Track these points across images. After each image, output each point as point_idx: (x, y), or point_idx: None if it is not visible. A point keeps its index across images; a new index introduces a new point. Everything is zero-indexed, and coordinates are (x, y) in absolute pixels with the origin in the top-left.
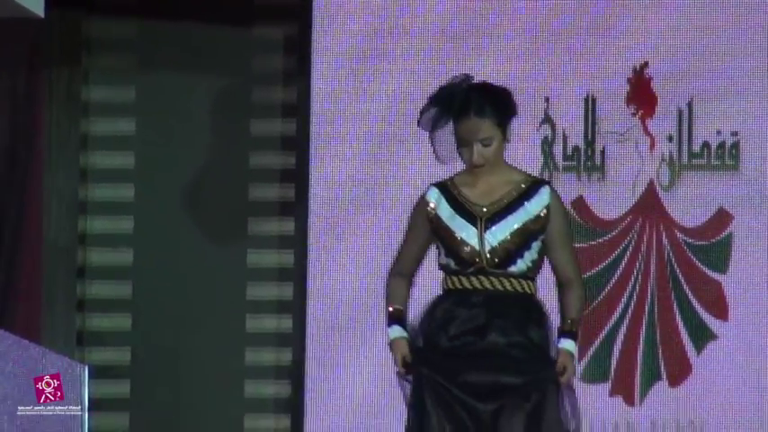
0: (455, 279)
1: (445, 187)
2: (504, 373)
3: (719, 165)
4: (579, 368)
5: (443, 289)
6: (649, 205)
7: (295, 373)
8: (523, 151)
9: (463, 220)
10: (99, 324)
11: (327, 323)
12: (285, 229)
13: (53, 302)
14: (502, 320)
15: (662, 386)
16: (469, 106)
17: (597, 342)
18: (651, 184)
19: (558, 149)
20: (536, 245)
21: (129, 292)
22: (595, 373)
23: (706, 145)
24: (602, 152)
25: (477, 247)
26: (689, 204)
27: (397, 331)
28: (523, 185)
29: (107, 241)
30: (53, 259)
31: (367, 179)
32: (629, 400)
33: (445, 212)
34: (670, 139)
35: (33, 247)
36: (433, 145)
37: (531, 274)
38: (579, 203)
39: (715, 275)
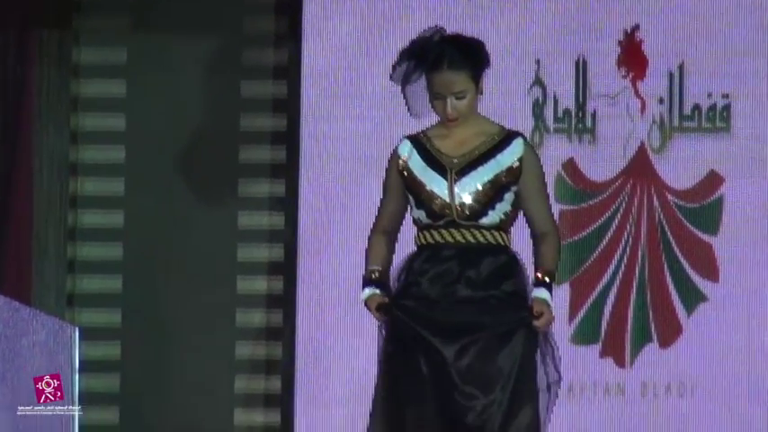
0: (426, 234)
1: (418, 140)
2: (476, 316)
3: (710, 127)
4: (570, 330)
5: (416, 245)
6: (640, 168)
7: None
8: (514, 113)
9: (434, 172)
10: (89, 285)
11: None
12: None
13: (43, 263)
14: (474, 273)
15: (653, 348)
16: (443, 59)
17: (588, 304)
18: (642, 146)
19: (548, 112)
20: (509, 196)
21: (119, 253)
22: (586, 335)
23: (697, 107)
24: (593, 114)
25: (447, 199)
26: (680, 167)
27: (367, 291)
28: (497, 137)
29: (98, 203)
30: (43, 220)
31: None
32: (620, 362)
33: (416, 165)
34: (661, 101)
35: (23, 207)
36: (405, 99)
37: (503, 225)
38: (570, 166)
39: (706, 237)
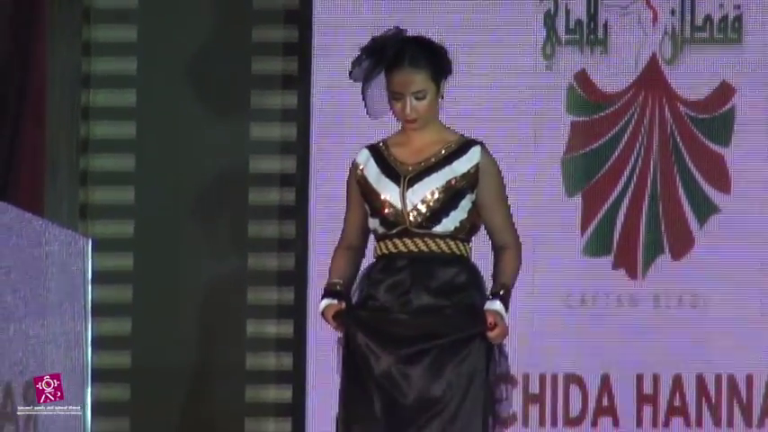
0: (382, 244)
1: (376, 148)
2: (430, 326)
3: (722, 38)
4: (582, 241)
5: (375, 256)
6: (652, 79)
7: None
8: (526, 25)
9: (388, 180)
10: (102, 197)
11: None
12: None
13: (56, 176)
14: (427, 283)
15: (665, 259)
16: (403, 56)
17: (600, 215)
18: (654, 57)
19: (560, 23)
20: (464, 204)
21: (132, 165)
22: (598, 247)
23: (708, 18)
24: (605, 25)
25: (399, 206)
26: (692, 78)
27: (324, 302)
28: (454, 145)
29: (111, 114)
30: (55, 132)
31: None
32: (632, 274)
33: (372, 173)
34: (672, 12)
35: (36, 120)
36: (364, 99)
37: (459, 234)
38: (582, 77)
39: (717, 148)
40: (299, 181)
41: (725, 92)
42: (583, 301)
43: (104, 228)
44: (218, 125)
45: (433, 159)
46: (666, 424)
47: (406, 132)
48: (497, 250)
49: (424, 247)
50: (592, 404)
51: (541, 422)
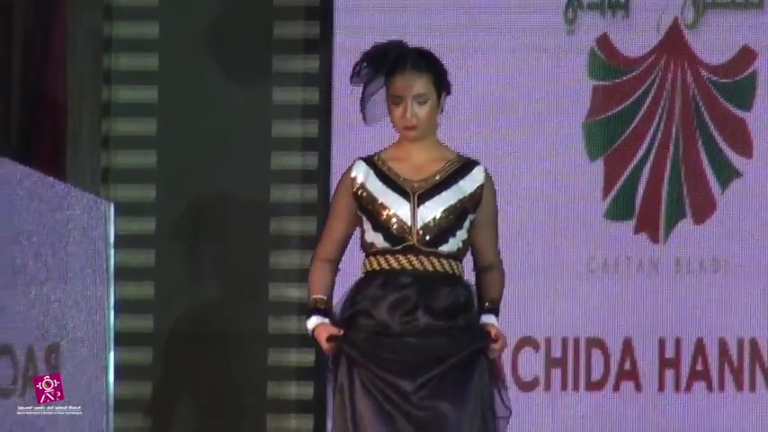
0: (381, 259)
1: (372, 162)
2: (435, 349)
3: (744, 2)
4: (604, 206)
5: (365, 271)
6: (674, 43)
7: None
8: None
9: (396, 195)
10: (124, 161)
11: None
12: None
13: (78, 140)
14: (433, 302)
15: (686, 223)
16: (406, 59)
17: (622, 180)
18: (676, 21)
19: None
20: (466, 224)
21: (153, 128)
22: (620, 211)
23: None
24: None
25: (408, 223)
26: (713, 42)
27: (315, 320)
28: (456, 163)
29: (132, 78)
30: (77, 96)
31: None
32: (654, 238)
33: (375, 186)
34: None
35: (57, 84)
36: (362, 104)
37: (460, 255)
38: (603, 41)
39: (739, 113)
40: (321, 145)
41: (747, 56)
42: (605, 265)
43: (126, 192)
44: (240, 89)
45: (438, 177)
46: (689, 388)
47: (404, 147)
48: (484, 269)
49: (429, 266)
50: (614, 368)
51: (563, 386)
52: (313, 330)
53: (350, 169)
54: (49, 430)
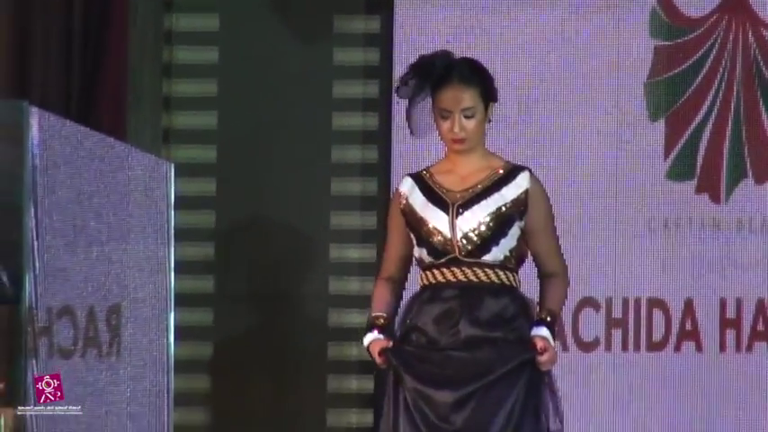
0: (429, 273)
1: (420, 176)
2: (480, 364)
3: None
4: (665, 166)
5: (420, 286)
6: (735, 3)
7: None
8: None
9: (435, 208)
10: (185, 121)
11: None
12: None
13: (139, 100)
14: (477, 313)
15: (748, 183)
16: (452, 73)
17: (683, 140)
18: None
19: None
20: (513, 232)
21: (214, 89)
22: (681, 171)
23: None
24: None
25: (448, 235)
26: None
27: (370, 337)
28: (501, 171)
29: (193, 39)
30: (138, 57)
31: None
32: (716, 198)
33: (417, 201)
34: None
35: (118, 44)
36: (409, 118)
37: (509, 264)
38: (665, 2)
39: None
40: (381, 106)
41: None
42: (666, 225)
43: (187, 152)
44: (300, 50)
45: (480, 186)
46: (750, 348)
47: (451, 159)
48: (544, 277)
49: (473, 277)
50: (675, 328)
51: (624, 346)
52: (368, 347)
53: (398, 187)
54: (110, 391)
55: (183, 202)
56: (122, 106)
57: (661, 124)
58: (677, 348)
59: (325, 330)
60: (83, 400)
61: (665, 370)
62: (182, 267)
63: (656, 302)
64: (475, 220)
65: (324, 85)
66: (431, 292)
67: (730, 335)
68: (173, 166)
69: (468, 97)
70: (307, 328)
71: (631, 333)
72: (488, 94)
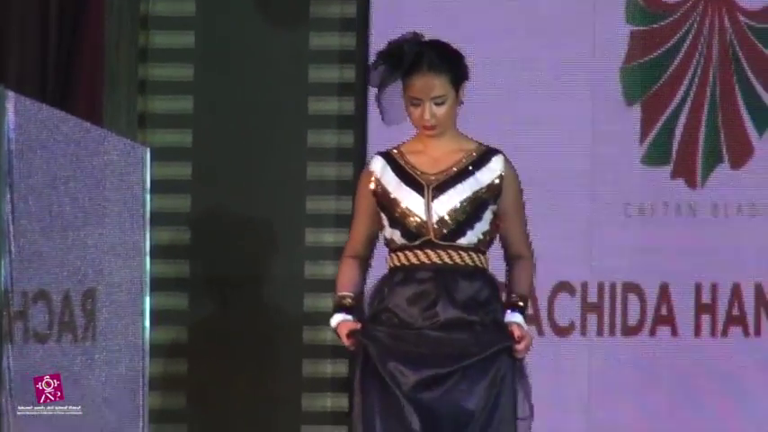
0: (400, 255)
1: (390, 156)
2: (457, 345)
3: None
4: (641, 151)
5: (389, 267)
6: None
7: None
8: None
9: (409, 189)
10: (161, 106)
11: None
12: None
13: (114, 85)
14: (453, 296)
15: (724, 168)
16: (422, 60)
17: (659, 125)
18: None
19: None
20: (487, 215)
21: (190, 73)
22: (657, 156)
23: None
24: None
25: (423, 217)
26: None
27: (338, 318)
28: (475, 154)
29: (169, 24)
30: (114, 41)
31: None
32: (691, 183)
33: (391, 181)
34: None
35: (94, 29)
36: (379, 105)
37: (482, 247)
38: None
39: None
40: (357, 90)
41: None
42: (641, 210)
43: (163, 137)
44: (276, 35)
45: (455, 169)
46: (725, 333)
47: (422, 139)
48: (513, 261)
49: (448, 260)
50: (650, 313)
51: (599, 331)
52: (336, 328)
53: (368, 165)
54: (85, 376)
55: (158, 187)
56: (98, 91)
57: (637, 109)
58: (652, 333)
59: (300, 315)
60: None
61: (640, 355)
62: (157, 252)
63: (631, 287)
64: (451, 203)
65: (300, 69)
66: (404, 274)
67: (706, 320)
68: (148, 150)
69: (438, 84)
70: (282, 312)
71: (607, 318)
72: (459, 77)
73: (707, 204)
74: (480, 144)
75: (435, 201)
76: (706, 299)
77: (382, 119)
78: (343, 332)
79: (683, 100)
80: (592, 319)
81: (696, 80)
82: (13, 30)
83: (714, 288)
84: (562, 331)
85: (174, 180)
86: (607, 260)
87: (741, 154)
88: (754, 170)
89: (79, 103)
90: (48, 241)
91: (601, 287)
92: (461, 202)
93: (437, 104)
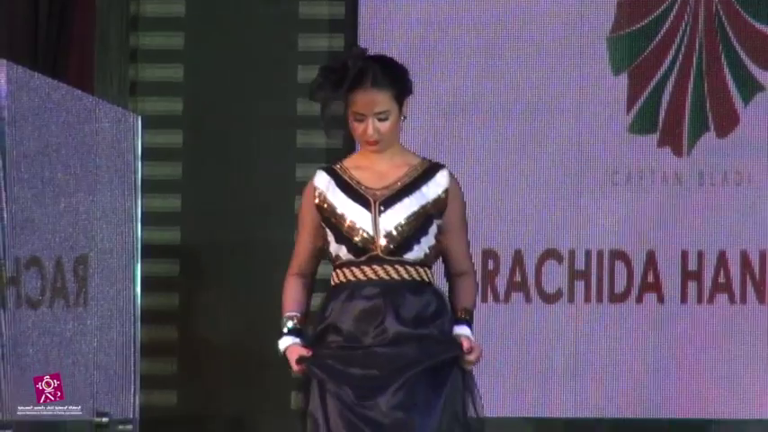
0: (346, 271)
1: (334, 171)
2: (406, 357)
3: None
4: (628, 119)
5: (333, 284)
6: None
7: None
8: None
9: (357, 205)
10: (151, 74)
11: None
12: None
13: (106, 53)
14: (400, 312)
15: (710, 137)
16: (365, 76)
17: (646, 94)
18: None
19: None
20: (432, 230)
21: (181, 42)
22: (644, 125)
23: None
24: None
25: (371, 233)
26: None
27: (286, 341)
28: (419, 168)
29: None
30: (105, 10)
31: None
32: (678, 151)
33: (336, 197)
34: None
35: (84, 2)
36: (323, 120)
37: (428, 261)
38: None
39: (763, 27)
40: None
41: None
42: (628, 178)
43: (154, 105)
44: (266, 3)
45: (399, 184)
46: (711, 300)
47: (366, 155)
48: (456, 276)
49: (395, 275)
50: (637, 280)
51: (587, 298)
52: (284, 351)
53: (312, 180)
54: (77, 341)
55: (149, 154)
56: (90, 59)
57: (623, 78)
58: (639, 300)
59: None
60: (50, 349)
61: (626, 321)
62: (148, 218)
63: (618, 254)
64: (398, 218)
65: (289, 37)
66: (350, 291)
67: (692, 287)
68: (140, 118)
69: (381, 100)
70: (272, 278)
71: (594, 285)
72: (402, 93)
73: (693, 172)
74: (425, 159)
75: (382, 215)
76: (692, 266)
77: (325, 134)
78: (293, 358)
79: (670, 69)
80: (579, 286)
81: (683, 49)
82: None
83: (700, 255)
84: (549, 298)
85: (165, 147)
86: (594, 228)
87: (727, 123)
88: (740, 138)
89: (70, 71)
90: (40, 208)
91: (588, 255)
92: (408, 217)
93: (380, 120)
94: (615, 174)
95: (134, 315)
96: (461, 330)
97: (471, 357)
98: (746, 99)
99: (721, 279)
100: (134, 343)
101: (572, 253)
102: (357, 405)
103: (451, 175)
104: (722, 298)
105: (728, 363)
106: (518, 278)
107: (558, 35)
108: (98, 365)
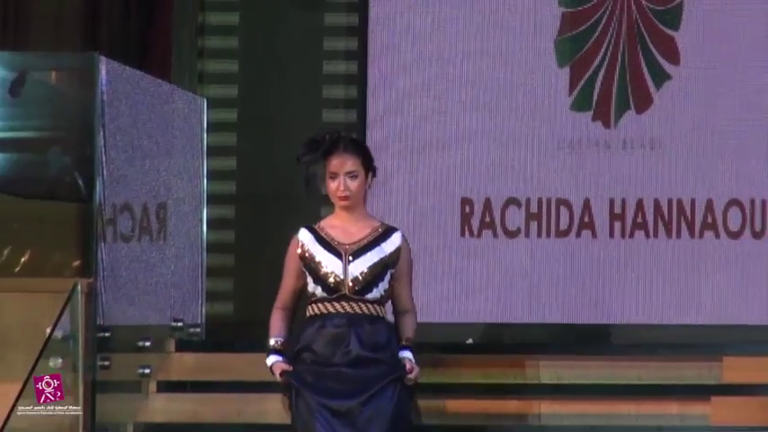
0: (320, 305)
1: (314, 229)
2: (366, 379)
3: None
4: (570, 100)
5: (309, 315)
6: None
7: None
8: None
9: (331, 255)
10: (214, 68)
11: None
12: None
13: (180, 51)
14: (362, 338)
15: (631, 113)
16: (339, 143)
17: (583, 81)
18: None
19: None
20: (387, 277)
21: (236, 44)
22: (582, 104)
23: None
24: None
25: (341, 277)
26: None
27: (273, 358)
28: (380, 230)
29: (220, 6)
30: (180, 19)
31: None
32: (606, 124)
33: (315, 249)
34: None
35: (165, 11)
36: (305, 181)
37: (383, 300)
38: None
39: (670, 32)
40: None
41: None
42: (571, 145)
43: (216, 90)
44: (298, 16)
45: (365, 240)
46: (632, 235)
47: (339, 216)
48: (402, 314)
49: (358, 310)
50: (576, 221)
51: (539, 234)
52: (271, 366)
53: (297, 235)
54: (158, 267)
55: (212, 127)
56: (168, 56)
57: (567, 70)
58: (578, 235)
59: None
60: (138, 273)
61: (569, 251)
62: (212, 175)
63: (562, 201)
64: (362, 267)
65: (316, 40)
66: (322, 321)
67: (617, 226)
68: (205, 100)
69: (351, 162)
70: (306, 215)
71: (544, 224)
72: (369, 164)
73: (618, 140)
74: (383, 223)
75: (351, 264)
76: (617, 210)
77: (305, 193)
78: (277, 372)
79: (601, 63)
80: (533, 225)
81: (611, 48)
82: (104, 9)
83: (624, 202)
84: (511, 234)
85: (224, 122)
86: (545, 181)
87: (644, 102)
88: (654, 114)
89: (154, 66)
90: (130, 167)
91: (540, 201)
92: (371, 266)
93: (351, 178)
94: (561, 141)
95: (201, 247)
96: (406, 354)
97: (412, 376)
98: (658, 85)
99: (639, 220)
100: (201, 267)
101: (528, 200)
102: (326, 406)
103: (403, 237)
104: (640, 234)
105: (647, 284)
106: (488, 219)
107: (516, 38)
108: (174, 284)
